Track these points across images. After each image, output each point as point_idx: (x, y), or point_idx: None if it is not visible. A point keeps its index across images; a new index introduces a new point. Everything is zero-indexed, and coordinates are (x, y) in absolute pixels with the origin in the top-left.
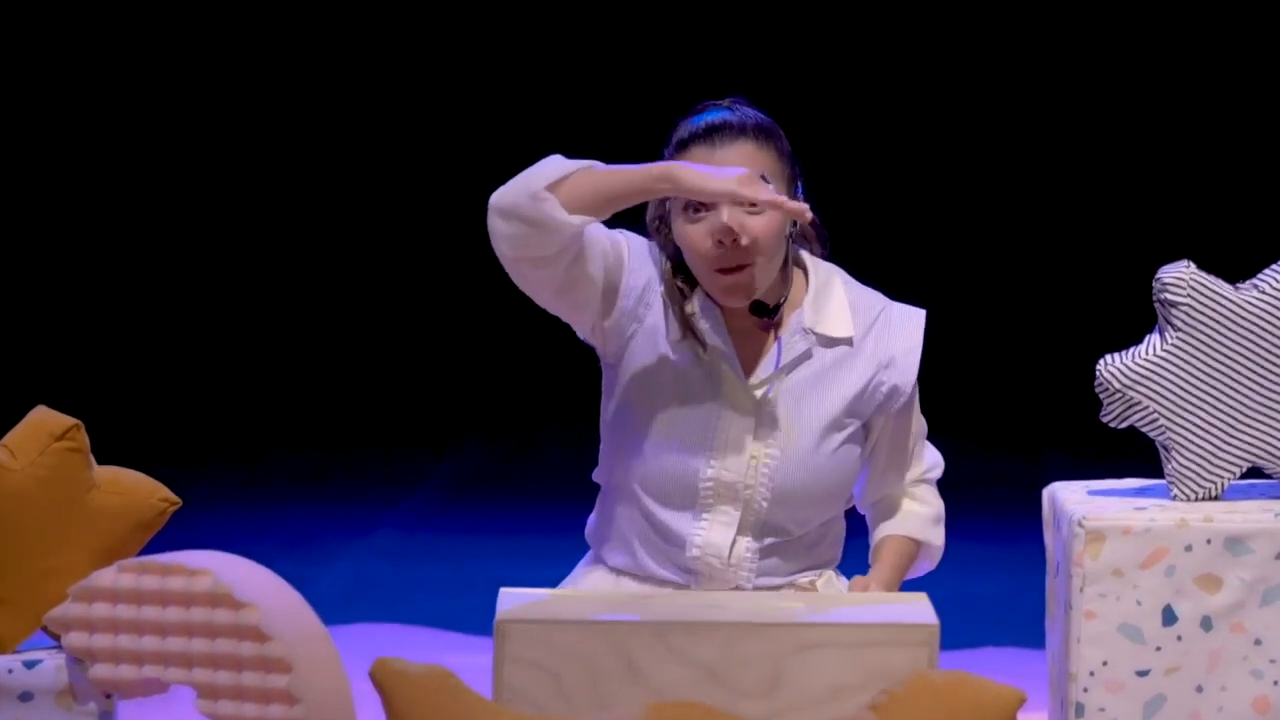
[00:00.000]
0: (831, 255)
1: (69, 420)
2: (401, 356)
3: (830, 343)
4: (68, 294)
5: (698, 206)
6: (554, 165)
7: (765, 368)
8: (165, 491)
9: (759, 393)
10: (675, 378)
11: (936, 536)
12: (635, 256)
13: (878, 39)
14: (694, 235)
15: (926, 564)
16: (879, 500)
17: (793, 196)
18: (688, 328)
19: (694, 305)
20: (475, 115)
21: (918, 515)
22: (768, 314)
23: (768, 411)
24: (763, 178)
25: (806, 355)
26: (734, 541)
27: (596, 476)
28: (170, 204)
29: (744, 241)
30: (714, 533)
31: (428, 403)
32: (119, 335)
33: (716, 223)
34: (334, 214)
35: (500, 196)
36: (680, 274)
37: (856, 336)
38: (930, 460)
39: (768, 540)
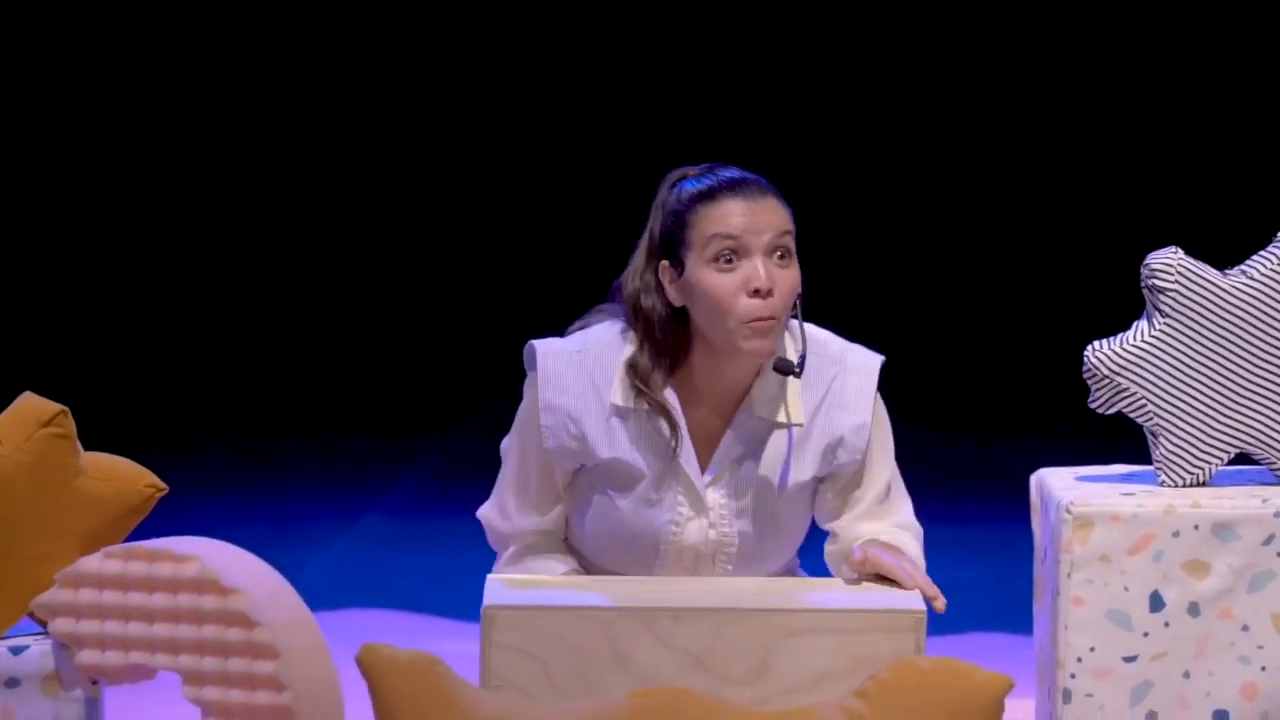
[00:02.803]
0: (826, 249)
1: (55, 406)
2: (390, 342)
3: (780, 427)
4: (54, 280)
5: (729, 258)
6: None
7: (719, 459)
8: (152, 477)
9: (711, 493)
10: (628, 483)
11: (920, 562)
12: (548, 415)
13: (865, 26)
14: (726, 287)
15: None
16: (853, 540)
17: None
18: (669, 421)
19: (664, 396)
20: (452, 105)
21: (900, 537)
22: (793, 371)
23: (720, 508)
24: (790, 233)
25: (759, 445)
26: None
27: None
28: (155, 190)
29: (775, 294)
30: None
31: (416, 388)
32: (105, 321)
33: (753, 275)
34: (319, 198)
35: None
36: (644, 363)
37: (806, 417)
38: (906, 523)
39: None
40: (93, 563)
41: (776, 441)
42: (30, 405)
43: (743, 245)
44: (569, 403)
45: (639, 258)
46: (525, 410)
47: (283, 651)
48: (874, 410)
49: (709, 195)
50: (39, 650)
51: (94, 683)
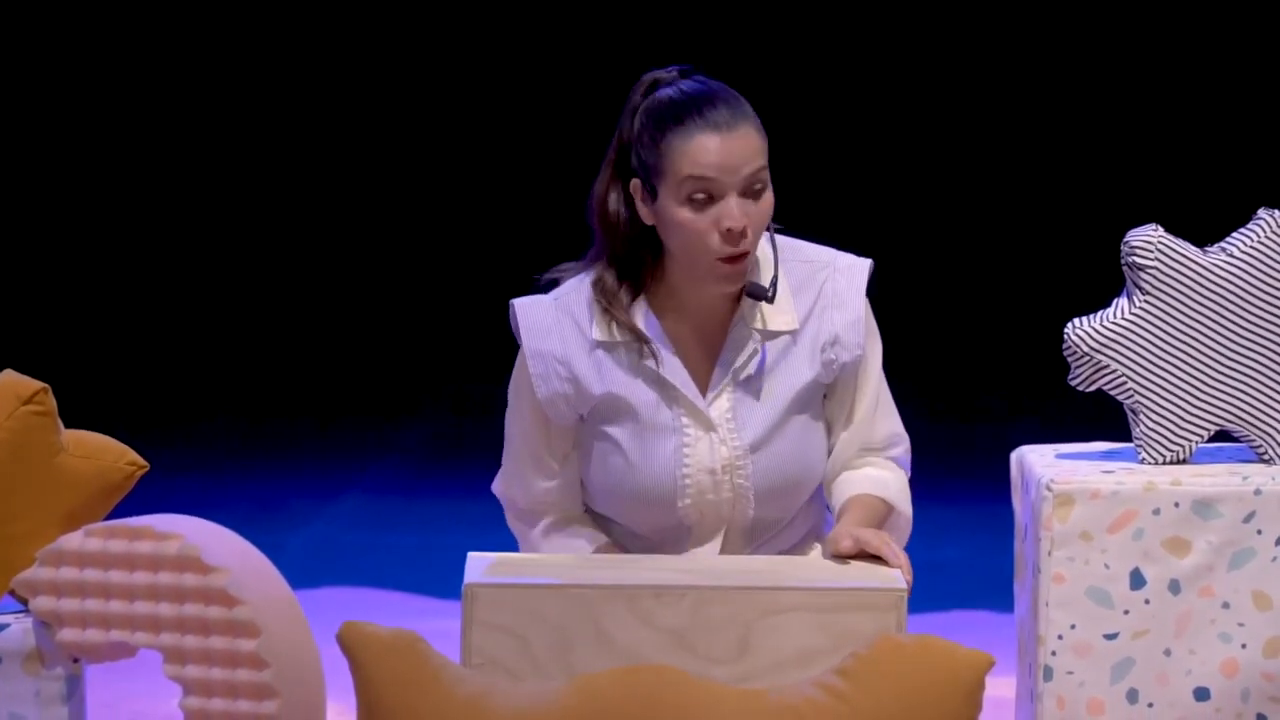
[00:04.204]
0: (803, 218)
1: (36, 384)
2: (371, 323)
3: (773, 336)
4: (32, 258)
5: (703, 197)
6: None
7: (717, 374)
8: (133, 455)
9: (715, 409)
10: (628, 417)
11: (905, 505)
12: (535, 363)
13: (855, 21)
14: (699, 225)
15: (895, 536)
16: (838, 473)
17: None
18: (638, 337)
19: (639, 320)
20: (430, 93)
21: (884, 480)
22: (765, 297)
23: (728, 424)
24: (764, 165)
25: (755, 354)
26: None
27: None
28: (142, 174)
29: (749, 230)
30: (702, 551)
31: (397, 369)
32: (87, 299)
33: (727, 215)
34: (302, 182)
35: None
36: (609, 281)
37: (799, 322)
38: (895, 433)
39: (757, 540)
40: (74, 540)
41: (773, 349)
42: (10, 382)
43: (717, 186)
44: (553, 346)
45: (608, 163)
46: (516, 368)
47: (264, 629)
48: (865, 308)
49: (680, 123)
50: (20, 628)
51: (75, 661)
